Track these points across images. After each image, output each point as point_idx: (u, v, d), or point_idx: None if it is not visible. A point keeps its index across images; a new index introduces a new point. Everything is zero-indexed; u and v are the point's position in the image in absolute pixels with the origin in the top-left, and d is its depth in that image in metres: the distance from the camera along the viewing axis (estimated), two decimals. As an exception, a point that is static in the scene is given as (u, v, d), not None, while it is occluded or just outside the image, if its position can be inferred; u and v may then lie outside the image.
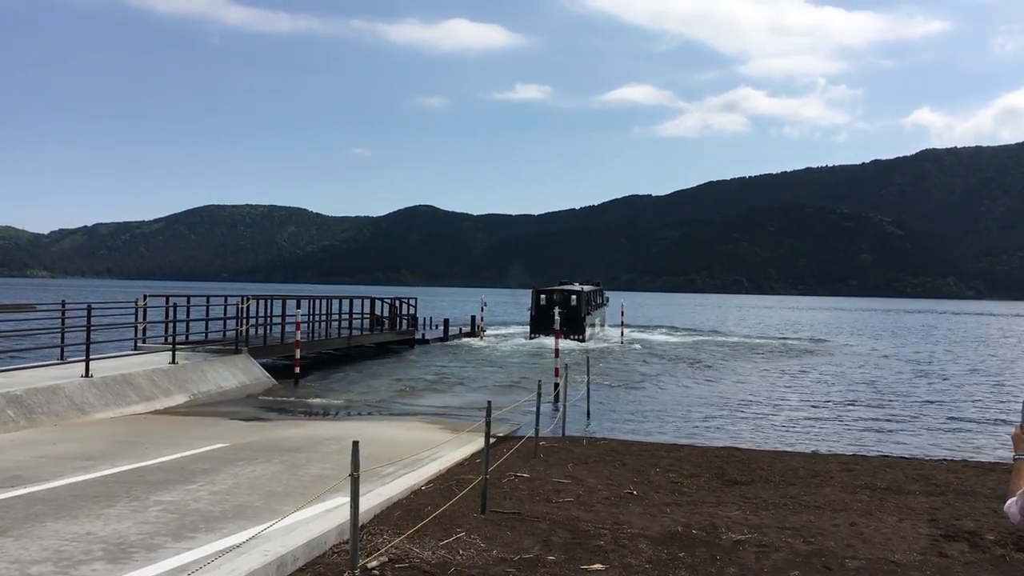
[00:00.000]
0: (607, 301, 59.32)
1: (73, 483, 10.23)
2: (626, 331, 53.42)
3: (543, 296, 48.30)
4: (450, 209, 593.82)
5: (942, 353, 46.68)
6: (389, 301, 40.57)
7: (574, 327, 45.97)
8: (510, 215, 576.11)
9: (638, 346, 46.03)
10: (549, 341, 39.18)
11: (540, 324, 46.56)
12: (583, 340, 45.96)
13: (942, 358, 42.87)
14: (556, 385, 21.60)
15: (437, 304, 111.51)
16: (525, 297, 66.62)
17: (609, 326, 57.76)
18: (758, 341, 54.21)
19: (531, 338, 46.34)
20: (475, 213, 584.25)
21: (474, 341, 44.95)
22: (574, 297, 47.61)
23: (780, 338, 58.42)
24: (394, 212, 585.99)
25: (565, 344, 41.99)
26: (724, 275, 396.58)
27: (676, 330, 65.59)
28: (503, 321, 69.36)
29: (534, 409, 13.68)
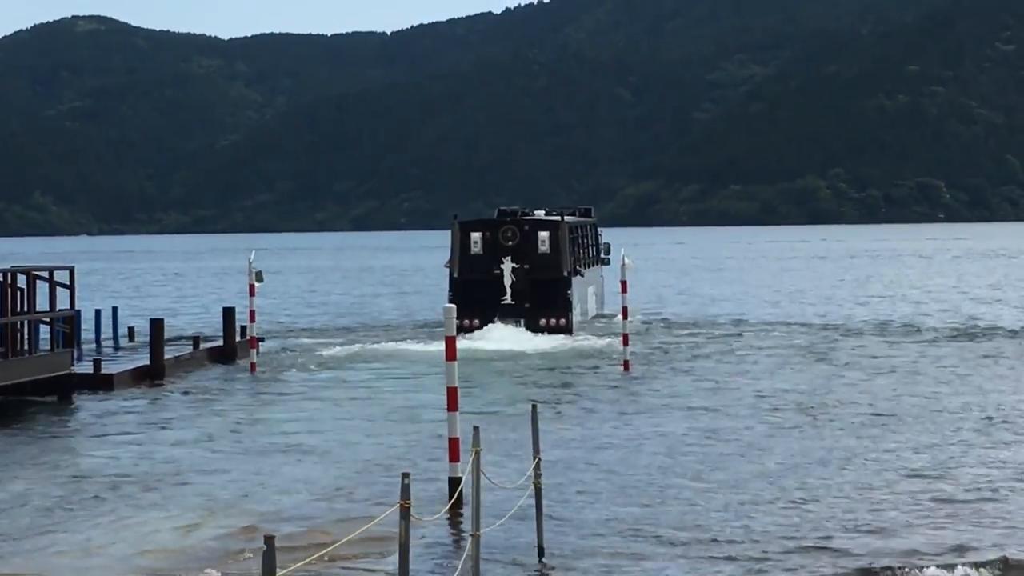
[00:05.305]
0: (608, 251, 34.75)
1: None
2: (642, 318, 31.68)
3: (477, 236, 27.31)
4: (151, 26, 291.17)
5: None
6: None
7: (547, 303, 26.81)
8: (289, 36, 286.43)
9: (664, 351, 25.45)
10: (496, 338, 25.64)
11: (472, 299, 25.60)
12: (564, 329, 26.72)
13: None
14: (454, 481, 10.49)
15: (128, 280, 62.49)
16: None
17: (593, 311, 32.68)
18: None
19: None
20: (222, 36, 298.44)
21: (240, 371, 22.54)
22: (545, 236, 27.39)
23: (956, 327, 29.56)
24: (12, 36, 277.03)
25: (530, 345, 25.27)
26: (869, 175, 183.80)
27: (745, 323, 32.31)
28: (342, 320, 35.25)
29: (396, 540, 6.24)
